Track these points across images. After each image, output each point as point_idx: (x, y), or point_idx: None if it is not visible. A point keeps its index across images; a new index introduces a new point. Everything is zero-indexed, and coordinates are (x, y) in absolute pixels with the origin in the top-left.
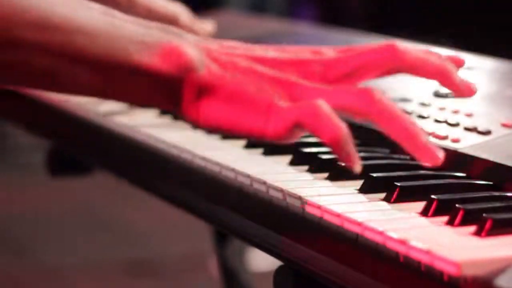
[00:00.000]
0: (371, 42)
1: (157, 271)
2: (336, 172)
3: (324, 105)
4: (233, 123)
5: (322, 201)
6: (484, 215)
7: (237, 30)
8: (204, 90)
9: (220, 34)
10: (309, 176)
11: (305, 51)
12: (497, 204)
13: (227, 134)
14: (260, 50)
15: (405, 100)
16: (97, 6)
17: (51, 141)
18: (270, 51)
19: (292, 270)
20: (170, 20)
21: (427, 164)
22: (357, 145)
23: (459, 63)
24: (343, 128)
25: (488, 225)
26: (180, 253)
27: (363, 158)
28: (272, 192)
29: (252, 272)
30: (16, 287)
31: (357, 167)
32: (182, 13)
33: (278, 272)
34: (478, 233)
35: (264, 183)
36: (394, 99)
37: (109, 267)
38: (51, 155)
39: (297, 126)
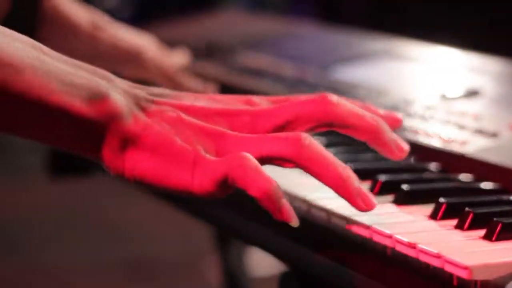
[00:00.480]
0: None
1: (152, 272)
2: None
3: (251, 159)
4: (158, 177)
5: (329, 205)
6: (494, 219)
7: (238, 29)
8: (129, 140)
9: (221, 33)
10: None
11: (236, 101)
12: (507, 208)
13: (153, 188)
14: (189, 99)
15: (410, 102)
16: (26, 39)
17: None
18: (200, 100)
19: (296, 275)
20: (134, 53)
21: (360, 209)
22: (361, 145)
23: (396, 123)
24: (272, 181)
25: (498, 229)
26: (176, 254)
27: (370, 161)
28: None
29: (253, 277)
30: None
31: (294, 221)
32: (149, 46)
33: (282, 278)
34: (488, 237)
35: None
36: (399, 101)
37: (105, 269)
38: (52, 157)
39: (225, 180)
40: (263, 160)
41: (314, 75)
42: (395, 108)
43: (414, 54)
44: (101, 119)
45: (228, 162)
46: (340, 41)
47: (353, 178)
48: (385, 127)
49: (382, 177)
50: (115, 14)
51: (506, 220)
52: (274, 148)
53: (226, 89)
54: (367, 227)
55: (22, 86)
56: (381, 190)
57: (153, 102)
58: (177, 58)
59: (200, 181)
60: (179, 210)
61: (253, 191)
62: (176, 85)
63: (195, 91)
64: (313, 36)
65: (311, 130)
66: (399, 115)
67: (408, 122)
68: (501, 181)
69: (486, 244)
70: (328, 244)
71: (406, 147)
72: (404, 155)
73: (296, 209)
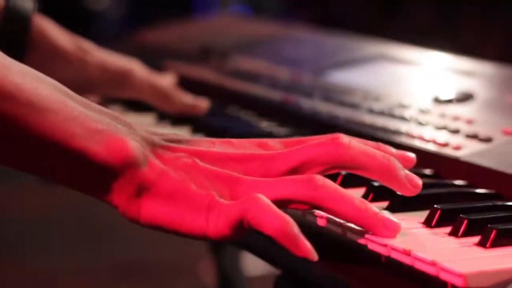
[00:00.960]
0: (363, 46)
1: (146, 275)
2: (337, 180)
3: (264, 199)
4: (174, 223)
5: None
6: (488, 225)
7: (233, 33)
8: (145, 187)
9: (216, 37)
10: None
11: (251, 144)
12: (501, 214)
13: (170, 233)
14: (204, 145)
15: (404, 106)
16: (50, 81)
17: None
18: (215, 146)
19: (291, 278)
20: (123, 76)
21: (386, 236)
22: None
23: (408, 162)
24: (287, 219)
25: (492, 235)
26: (170, 257)
27: None
28: None
29: (248, 277)
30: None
31: (314, 256)
32: (136, 68)
33: (278, 281)
34: (482, 244)
35: None
36: (393, 105)
37: (99, 271)
38: None
39: (240, 223)
40: (278, 203)
41: (309, 79)
42: (389, 112)
43: (409, 58)
44: (118, 165)
45: (242, 205)
46: (335, 45)
47: (371, 209)
48: (398, 165)
49: (376, 184)
50: (107, 16)
51: (501, 226)
52: (289, 190)
53: (221, 93)
54: (362, 234)
55: (43, 127)
56: (375, 197)
57: (168, 148)
58: (166, 79)
59: (215, 225)
60: None
61: (269, 231)
62: (169, 102)
63: (188, 107)
64: (308, 40)
65: (324, 172)
66: (412, 155)
67: (402, 127)
68: (495, 186)
69: (481, 251)
70: (323, 250)
71: (420, 182)
72: (418, 191)
73: (290, 215)
